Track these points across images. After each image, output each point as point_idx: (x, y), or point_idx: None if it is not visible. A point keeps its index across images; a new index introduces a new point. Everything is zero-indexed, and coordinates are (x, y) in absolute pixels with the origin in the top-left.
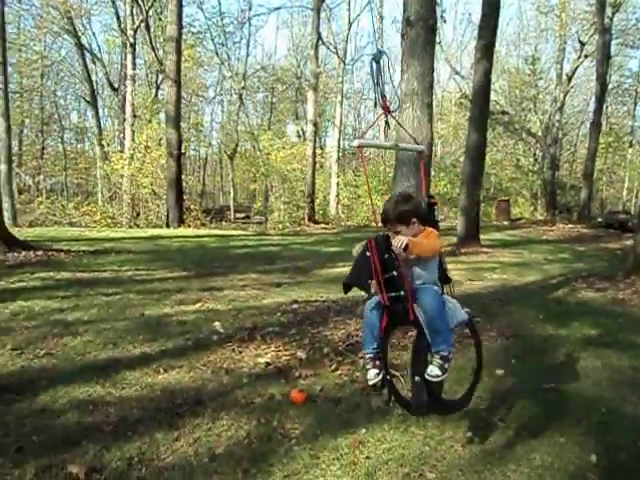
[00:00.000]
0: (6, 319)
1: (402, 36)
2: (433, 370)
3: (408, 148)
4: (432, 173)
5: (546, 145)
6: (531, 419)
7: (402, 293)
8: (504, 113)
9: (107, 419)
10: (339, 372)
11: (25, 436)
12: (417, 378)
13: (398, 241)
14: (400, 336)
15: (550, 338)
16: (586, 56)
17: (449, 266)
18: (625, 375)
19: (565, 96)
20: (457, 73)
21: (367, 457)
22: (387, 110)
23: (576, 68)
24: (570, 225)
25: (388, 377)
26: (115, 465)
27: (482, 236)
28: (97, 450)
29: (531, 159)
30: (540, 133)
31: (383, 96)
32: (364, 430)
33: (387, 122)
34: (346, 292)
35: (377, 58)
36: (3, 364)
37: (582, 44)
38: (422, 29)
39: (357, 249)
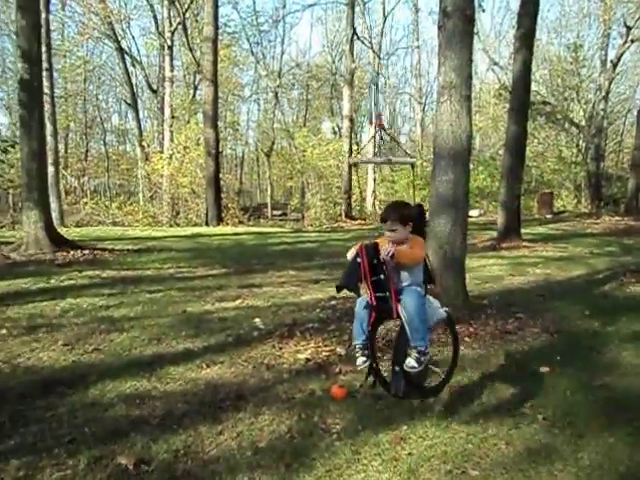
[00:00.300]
0: (57, 316)
1: (439, 28)
2: (410, 362)
3: (400, 162)
4: (470, 167)
5: (590, 135)
6: (578, 418)
7: (387, 294)
8: (545, 103)
9: (153, 412)
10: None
11: (77, 428)
12: (397, 368)
13: (385, 250)
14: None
15: (597, 334)
16: (632, 41)
17: (491, 261)
18: None
19: (610, 84)
20: (495, 63)
21: (409, 453)
22: (382, 127)
23: (622, 54)
24: (617, 218)
25: (374, 365)
26: (162, 457)
27: (523, 230)
28: (144, 442)
29: (574, 150)
30: (583, 123)
31: (379, 115)
32: (405, 426)
33: (382, 138)
34: (338, 292)
35: (375, 81)
36: (56, 359)
37: (628, 28)
38: (459, 20)
39: (351, 253)
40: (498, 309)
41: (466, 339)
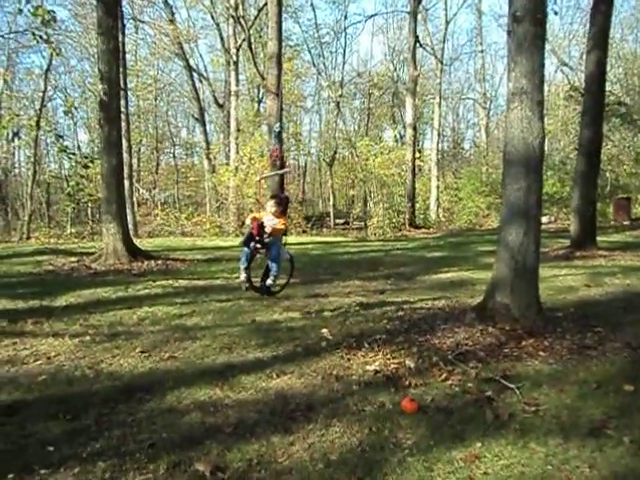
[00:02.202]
0: (135, 323)
1: (508, 33)
2: (268, 281)
3: (278, 173)
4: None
5: None
6: None
7: (262, 247)
8: (620, 104)
9: (227, 420)
10: (449, 382)
11: (156, 433)
12: (261, 283)
13: (268, 228)
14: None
15: None
16: None
17: (564, 271)
18: None
19: None
20: (565, 64)
21: (484, 473)
22: (277, 157)
23: None
24: None
25: (249, 280)
26: (237, 465)
27: (599, 238)
28: (220, 450)
29: None
30: None
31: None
32: (479, 444)
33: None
34: (241, 246)
35: (278, 129)
36: (134, 365)
37: None
38: (530, 24)
39: (247, 222)
40: (574, 322)
41: (541, 353)
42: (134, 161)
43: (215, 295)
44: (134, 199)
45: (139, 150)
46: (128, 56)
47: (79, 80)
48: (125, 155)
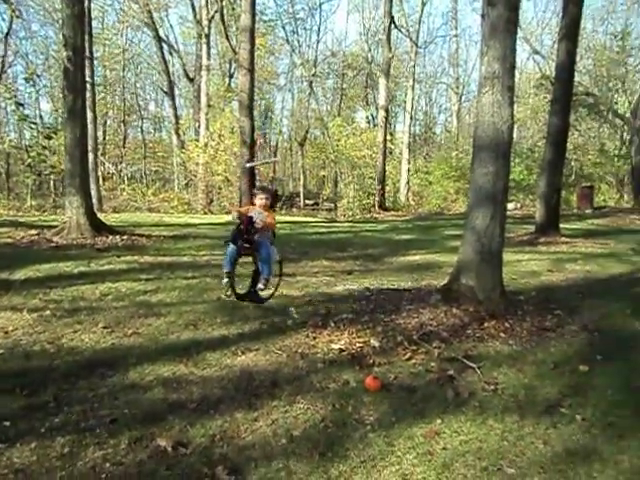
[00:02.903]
0: (97, 299)
1: (482, 16)
2: (259, 286)
3: (267, 162)
4: (510, 159)
5: (635, 127)
6: (618, 418)
7: (250, 246)
8: (588, 94)
9: (190, 397)
10: (413, 361)
11: (118, 409)
12: (252, 289)
13: (259, 223)
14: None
15: (638, 334)
16: None
17: (527, 256)
18: None
19: None
20: (537, 53)
21: (443, 448)
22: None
23: None
24: None
25: (233, 287)
26: (199, 441)
27: (562, 225)
28: (182, 426)
29: (618, 143)
30: (628, 115)
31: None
32: (439, 421)
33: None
34: (226, 244)
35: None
36: (97, 341)
37: None
38: (504, 8)
39: (234, 216)
40: (535, 305)
41: (502, 334)
42: (99, 134)
43: (181, 272)
44: (99, 173)
45: (105, 122)
46: (94, 23)
47: (42, 47)
48: (90, 127)
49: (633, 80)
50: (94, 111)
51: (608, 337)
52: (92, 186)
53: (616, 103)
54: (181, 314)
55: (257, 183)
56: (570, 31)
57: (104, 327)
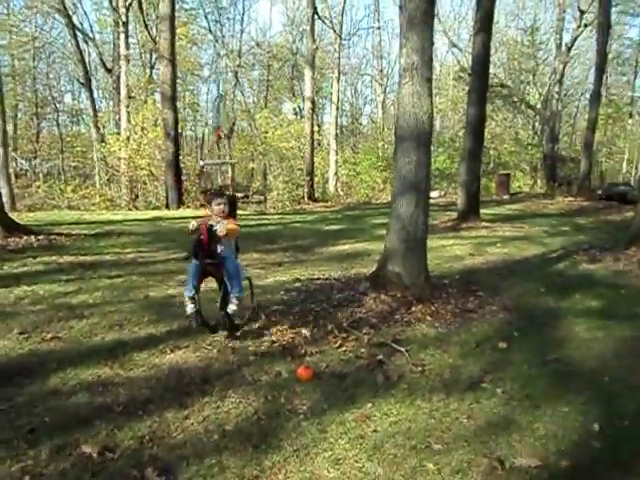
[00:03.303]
0: (11, 303)
1: (400, 8)
2: (231, 307)
3: (216, 163)
4: (431, 148)
5: (545, 118)
6: (534, 390)
7: (214, 260)
8: (503, 86)
9: (117, 399)
10: (344, 348)
11: (37, 417)
12: (222, 312)
13: (221, 230)
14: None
15: (552, 310)
16: (586, 25)
17: (451, 241)
18: (627, 345)
19: (564, 67)
20: (455, 46)
21: (374, 430)
22: (219, 137)
23: (576, 38)
24: (570, 198)
25: (200, 313)
26: (127, 444)
27: (483, 211)
28: (109, 430)
29: (530, 132)
30: (539, 106)
31: (218, 127)
32: (370, 405)
33: (218, 145)
34: (188, 260)
35: (218, 102)
36: (11, 348)
37: (582, 12)
38: (421, 0)
39: (193, 225)
40: (459, 288)
41: (428, 318)
42: (9, 127)
43: (105, 271)
44: (10, 169)
45: (16, 116)
46: None
47: None
48: None
49: (543, 73)
50: (2, 103)
51: (524, 315)
52: (3, 184)
53: (528, 94)
54: (105, 315)
55: (183, 177)
56: (484, 25)
57: (20, 333)
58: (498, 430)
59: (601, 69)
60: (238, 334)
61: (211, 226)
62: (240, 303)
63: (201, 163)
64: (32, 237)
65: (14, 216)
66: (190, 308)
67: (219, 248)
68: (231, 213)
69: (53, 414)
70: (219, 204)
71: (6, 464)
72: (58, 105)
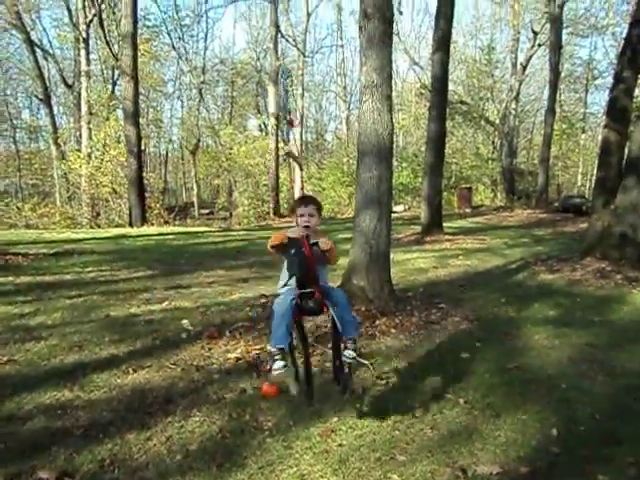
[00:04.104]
0: None
1: (360, 29)
2: (350, 353)
3: (296, 157)
4: (394, 163)
5: (503, 133)
6: (495, 399)
7: (310, 290)
8: (462, 103)
9: (76, 423)
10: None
11: None
12: (337, 362)
13: (325, 243)
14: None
15: (512, 320)
16: (539, 45)
17: (415, 254)
18: (583, 352)
19: (520, 85)
20: (416, 64)
21: (339, 444)
22: (290, 123)
23: (530, 57)
24: (529, 210)
25: (298, 373)
26: (87, 468)
27: (445, 224)
28: (67, 454)
29: (490, 147)
30: (498, 121)
31: (288, 112)
32: (335, 418)
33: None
34: (301, 288)
35: (285, 76)
36: None
37: (535, 33)
38: (379, 21)
39: (284, 237)
40: (422, 300)
41: (392, 330)
42: None
43: (65, 291)
44: None
45: None
46: None
47: None
48: None
49: (500, 90)
50: None
51: (486, 325)
52: None
53: (486, 111)
54: (65, 336)
55: (147, 195)
56: (442, 44)
57: None
58: (461, 439)
59: (554, 87)
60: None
61: (315, 242)
62: (357, 347)
63: (286, 149)
64: None
65: None
66: (279, 365)
67: (321, 274)
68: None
69: (8, 440)
70: (313, 212)
71: None
72: (15, 121)
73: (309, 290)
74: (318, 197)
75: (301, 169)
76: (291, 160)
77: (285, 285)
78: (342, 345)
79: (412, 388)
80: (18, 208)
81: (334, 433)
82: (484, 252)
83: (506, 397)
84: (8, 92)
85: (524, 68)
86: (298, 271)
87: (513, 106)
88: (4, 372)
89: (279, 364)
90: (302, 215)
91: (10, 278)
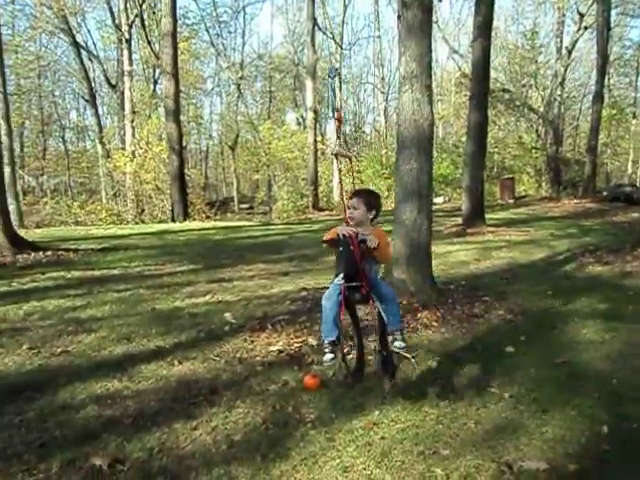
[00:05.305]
0: (20, 319)
1: (398, 18)
2: (399, 343)
3: (345, 155)
4: (434, 155)
5: (548, 121)
6: (542, 394)
7: (357, 284)
8: (505, 90)
9: (126, 412)
10: (350, 356)
11: (47, 432)
12: (384, 353)
13: (372, 240)
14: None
15: (558, 314)
16: (586, 28)
17: (456, 247)
18: (635, 347)
19: (566, 70)
20: (455, 52)
21: (382, 437)
22: (339, 120)
23: (576, 41)
24: (575, 200)
25: (346, 361)
26: (137, 455)
27: (487, 215)
28: (118, 442)
29: (534, 136)
30: (542, 109)
31: (337, 109)
32: (377, 412)
33: (338, 131)
34: (346, 281)
35: (332, 75)
36: (21, 363)
37: (581, 15)
38: (418, 9)
39: (335, 233)
40: (464, 293)
41: (434, 324)
42: (16, 145)
43: (112, 285)
44: (18, 187)
45: (22, 134)
46: (4, 29)
47: None
48: (4, 139)
49: (544, 76)
50: (8, 122)
51: (531, 318)
52: (11, 201)
53: (530, 98)
54: (113, 328)
55: (188, 190)
56: (483, 30)
57: (29, 348)
58: (506, 434)
59: (602, 71)
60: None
61: (363, 239)
62: (404, 336)
63: (336, 149)
64: (40, 253)
65: (22, 233)
66: (329, 358)
67: (368, 268)
68: (375, 217)
69: (63, 428)
70: (356, 206)
71: (18, 477)
72: (64, 122)
73: (355, 284)
74: (370, 190)
75: (351, 162)
76: (329, 152)
77: (336, 277)
78: (390, 337)
79: (455, 382)
80: (68, 206)
81: (376, 426)
82: (528, 244)
83: (553, 392)
84: (57, 94)
85: (569, 52)
86: (344, 269)
87: (558, 92)
88: (59, 362)
89: (328, 357)
90: (348, 208)
91: (62, 273)
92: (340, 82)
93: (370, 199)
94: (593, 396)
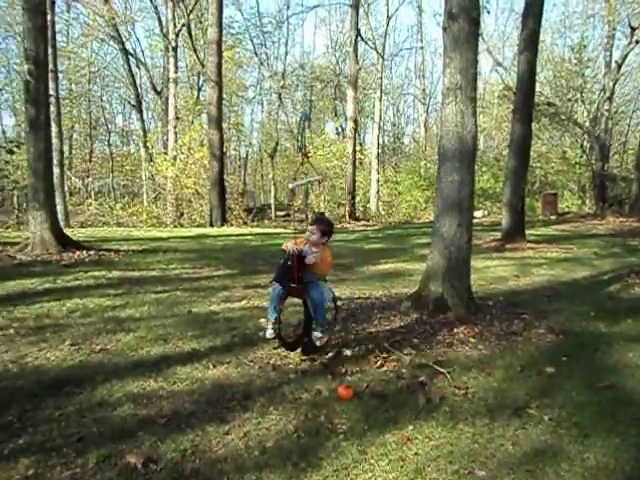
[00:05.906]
0: (64, 316)
1: (444, 30)
2: (317, 334)
3: (311, 180)
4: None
5: (595, 136)
6: (584, 418)
7: (299, 284)
8: (549, 104)
9: (160, 412)
10: (384, 369)
11: (85, 427)
12: (306, 339)
13: (310, 259)
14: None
15: (602, 335)
16: (637, 42)
17: (495, 262)
18: None
19: (615, 84)
20: (499, 64)
21: (415, 453)
22: (305, 156)
23: (626, 55)
24: (621, 219)
25: (280, 336)
26: (170, 456)
27: (528, 231)
28: (152, 441)
29: (578, 151)
30: (588, 124)
31: (304, 146)
32: (411, 427)
33: (302, 163)
34: (272, 284)
35: (304, 119)
36: (63, 359)
37: (633, 29)
38: (465, 22)
39: (289, 248)
40: (503, 310)
41: (471, 340)
42: (65, 148)
43: (150, 286)
44: (65, 187)
45: (71, 136)
46: (59, 36)
47: (2, 60)
48: (55, 141)
49: (591, 91)
50: (59, 125)
51: (573, 339)
52: (58, 201)
53: (575, 113)
54: (150, 329)
55: (227, 196)
56: (530, 43)
57: (71, 344)
58: (545, 459)
59: None
60: (315, 357)
61: (301, 251)
62: (323, 330)
63: (290, 186)
64: (84, 252)
65: (68, 232)
66: (269, 333)
67: (307, 276)
68: (327, 239)
69: (100, 424)
70: (315, 232)
71: (56, 470)
72: (110, 126)
73: (292, 285)
74: (329, 218)
75: (320, 183)
76: (368, 162)
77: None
78: (313, 326)
79: (492, 400)
80: (111, 207)
81: (410, 441)
82: (570, 262)
83: (596, 417)
84: (104, 99)
85: (619, 66)
86: (276, 274)
87: (606, 107)
88: (97, 360)
89: (269, 332)
90: (310, 230)
91: (103, 272)
92: (381, 92)
93: (325, 228)
94: (639, 424)
